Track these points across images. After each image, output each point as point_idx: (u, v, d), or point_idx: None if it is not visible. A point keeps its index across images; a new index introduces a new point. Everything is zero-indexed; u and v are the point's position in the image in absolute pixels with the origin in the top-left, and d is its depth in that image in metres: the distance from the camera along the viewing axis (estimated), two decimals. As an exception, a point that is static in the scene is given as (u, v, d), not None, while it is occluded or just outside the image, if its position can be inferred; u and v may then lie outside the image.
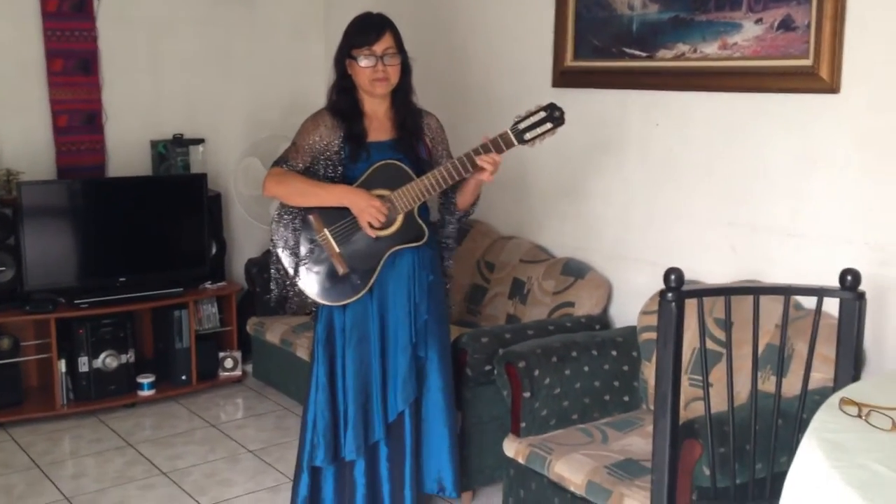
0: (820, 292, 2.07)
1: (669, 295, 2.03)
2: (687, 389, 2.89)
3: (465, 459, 3.10)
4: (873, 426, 1.61)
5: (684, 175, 3.18)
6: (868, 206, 2.66)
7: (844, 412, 1.67)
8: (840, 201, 2.73)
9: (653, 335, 2.90)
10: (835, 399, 1.71)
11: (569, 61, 3.51)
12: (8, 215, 3.87)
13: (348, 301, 2.71)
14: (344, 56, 2.70)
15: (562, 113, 2.64)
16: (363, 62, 2.66)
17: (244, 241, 4.65)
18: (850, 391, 1.77)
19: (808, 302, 2.63)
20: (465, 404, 3.08)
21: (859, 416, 1.63)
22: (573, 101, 3.48)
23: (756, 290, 2.10)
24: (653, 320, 2.78)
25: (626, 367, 3.10)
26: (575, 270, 3.48)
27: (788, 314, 2.10)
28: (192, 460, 3.60)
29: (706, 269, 3.10)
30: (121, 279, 4.12)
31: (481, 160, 2.63)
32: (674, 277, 2.03)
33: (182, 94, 4.50)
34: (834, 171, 2.73)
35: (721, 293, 2.12)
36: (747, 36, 2.89)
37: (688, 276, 3.06)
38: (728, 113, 3.00)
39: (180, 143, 4.38)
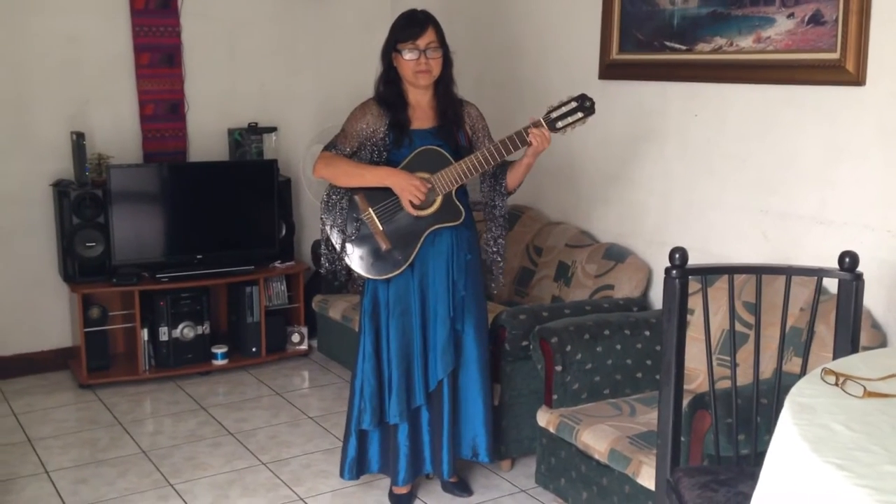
0: (819, 273, 2.19)
1: (674, 272, 2.18)
2: (715, 369, 3.02)
3: (504, 430, 3.28)
4: (847, 393, 1.73)
5: (720, 164, 3.29)
6: (891, 194, 2.74)
7: (824, 380, 1.80)
8: (864, 190, 2.81)
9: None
10: (818, 370, 1.84)
11: (614, 54, 3.65)
12: (99, 196, 4.22)
13: (390, 275, 2.93)
14: (390, 50, 2.91)
15: (592, 103, 2.80)
16: (407, 55, 2.86)
17: (312, 224, 4.89)
18: (836, 363, 1.89)
19: (833, 286, 2.72)
20: (504, 378, 3.26)
21: (836, 384, 1.77)
22: (617, 92, 3.65)
23: (758, 270, 2.23)
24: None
25: (658, 348, 3.23)
26: (616, 255, 3.62)
27: (790, 294, 2.22)
28: (257, 423, 3.90)
29: (740, 255, 3.21)
30: (198, 256, 4.43)
31: (531, 134, 2.79)
32: (678, 256, 2.18)
33: (257, 86, 4.80)
34: (859, 161, 2.82)
35: (724, 272, 2.26)
36: (780, 30, 3.00)
37: (722, 261, 3.21)
38: (761, 104, 3.11)
39: (255, 131, 4.67)
